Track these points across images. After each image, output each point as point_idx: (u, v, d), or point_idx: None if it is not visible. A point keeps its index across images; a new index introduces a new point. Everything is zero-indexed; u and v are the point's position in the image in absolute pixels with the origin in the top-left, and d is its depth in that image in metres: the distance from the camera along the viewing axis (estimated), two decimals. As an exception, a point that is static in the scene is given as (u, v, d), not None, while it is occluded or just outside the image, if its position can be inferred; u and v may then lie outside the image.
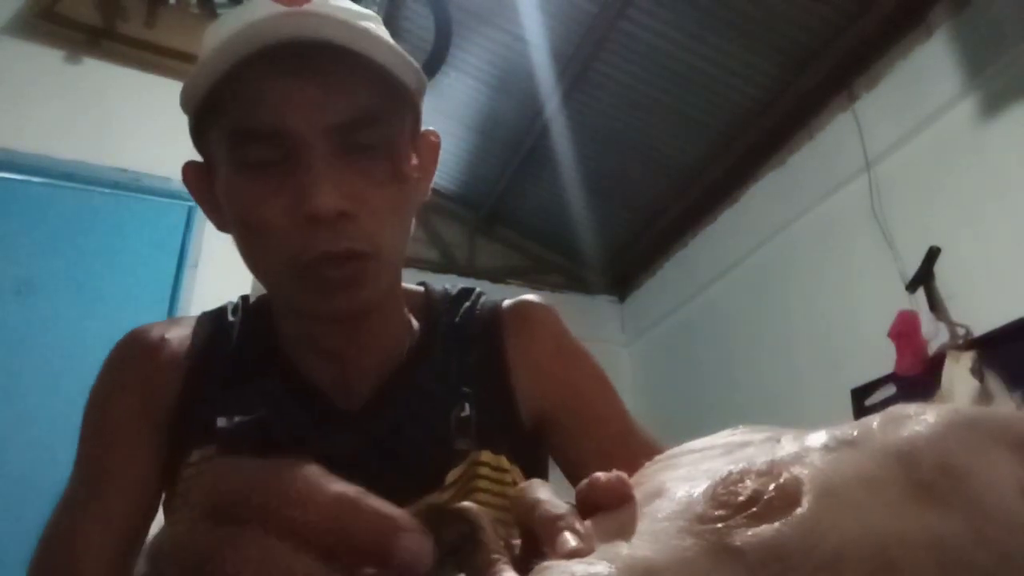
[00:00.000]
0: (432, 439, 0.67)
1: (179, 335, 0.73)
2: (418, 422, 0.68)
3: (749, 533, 0.19)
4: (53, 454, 2.05)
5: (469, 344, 0.73)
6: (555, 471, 0.74)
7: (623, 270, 4.49)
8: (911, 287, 2.52)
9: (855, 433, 0.21)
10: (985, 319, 2.27)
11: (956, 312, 2.39)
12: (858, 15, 2.72)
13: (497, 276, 4.44)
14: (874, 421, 0.21)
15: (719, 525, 0.20)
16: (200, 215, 2.52)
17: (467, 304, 0.76)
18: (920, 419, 0.20)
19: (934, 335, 2.40)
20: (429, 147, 0.71)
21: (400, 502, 0.71)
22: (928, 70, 2.58)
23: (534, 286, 4.49)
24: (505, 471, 0.68)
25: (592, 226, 4.14)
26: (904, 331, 2.46)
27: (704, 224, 3.81)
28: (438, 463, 0.66)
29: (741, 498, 0.20)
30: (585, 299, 4.54)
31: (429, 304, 0.76)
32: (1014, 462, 0.18)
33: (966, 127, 2.45)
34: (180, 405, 0.68)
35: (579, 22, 3.12)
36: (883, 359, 2.51)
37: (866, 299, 2.74)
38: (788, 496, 0.19)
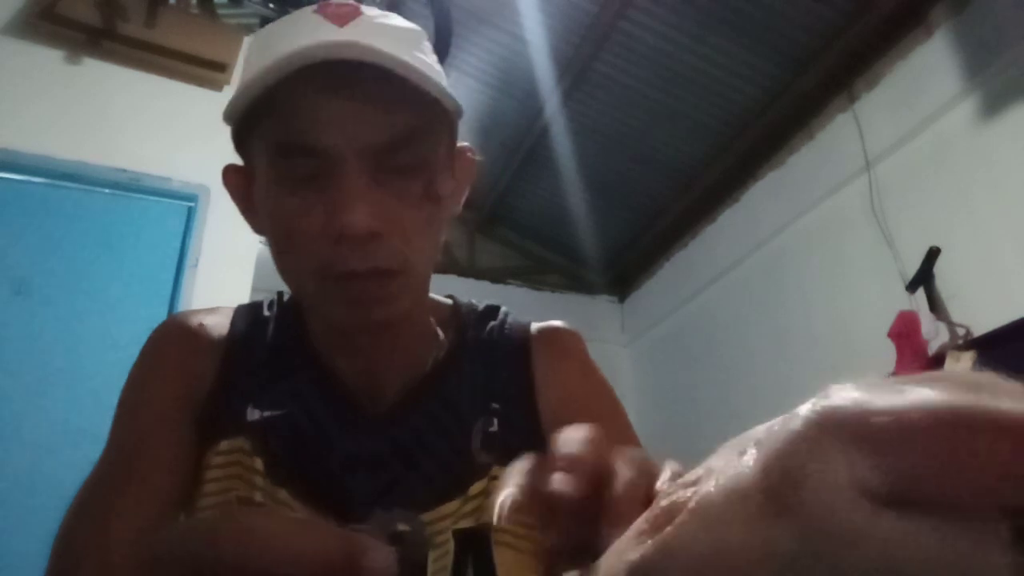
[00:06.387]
0: (454, 450, 0.68)
1: (217, 323, 0.74)
2: (441, 432, 0.69)
3: (631, 555, 0.19)
4: (52, 454, 2.06)
5: (497, 362, 0.74)
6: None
7: (623, 270, 4.49)
8: (911, 287, 2.52)
9: (761, 435, 0.19)
10: (985, 319, 2.27)
11: (956, 312, 2.39)
12: (858, 15, 2.72)
13: (497, 276, 4.44)
14: (779, 420, 0.20)
15: (637, 543, 0.20)
16: (200, 215, 2.52)
17: (494, 322, 0.78)
18: (794, 417, 0.18)
19: (934, 335, 2.40)
20: (466, 164, 0.72)
21: (419, 507, 0.71)
22: (928, 70, 2.59)
23: (534, 286, 4.49)
24: None
25: (592, 226, 4.14)
26: (904, 331, 2.46)
27: (704, 224, 3.81)
28: (459, 474, 0.67)
29: (655, 512, 0.20)
30: (585, 299, 4.54)
31: (457, 317, 0.77)
32: (853, 458, 0.16)
33: (966, 127, 2.45)
34: (213, 393, 0.69)
35: (579, 22, 3.12)
36: (883, 359, 2.51)
37: (866, 299, 2.74)
38: (670, 514, 0.19)
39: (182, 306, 2.40)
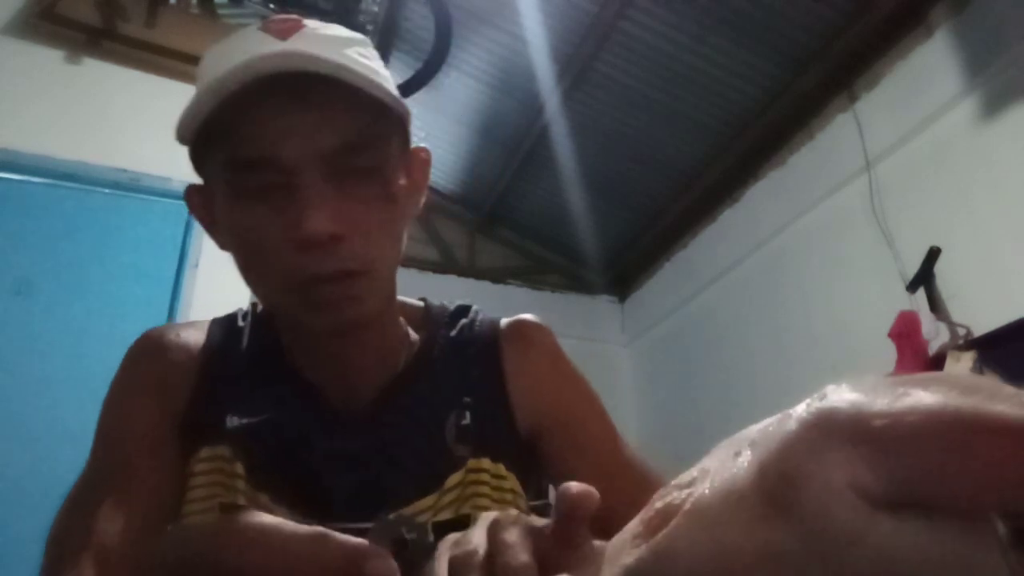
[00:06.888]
0: (431, 445, 0.70)
1: (193, 336, 0.76)
2: (418, 427, 0.71)
3: (626, 558, 0.19)
4: (52, 454, 2.06)
5: (469, 358, 0.76)
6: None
7: (623, 270, 4.49)
8: (911, 287, 2.52)
9: (756, 436, 0.19)
10: (985, 319, 2.27)
11: (956, 312, 2.39)
12: (858, 15, 2.72)
13: (497, 276, 4.44)
14: (774, 420, 0.19)
15: (632, 546, 0.20)
16: (200, 215, 2.52)
17: (465, 320, 0.79)
18: (790, 418, 0.18)
19: (934, 335, 2.39)
20: (419, 164, 0.74)
21: (399, 503, 0.73)
22: (928, 70, 2.58)
23: (534, 286, 4.49)
24: (504, 478, 0.70)
25: (592, 226, 4.14)
26: (904, 331, 2.46)
27: (704, 224, 3.81)
28: (436, 468, 0.69)
29: (650, 514, 0.20)
30: (585, 299, 4.54)
31: (428, 318, 0.79)
32: (851, 460, 0.16)
33: (966, 127, 2.45)
34: (192, 404, 0.71)
35: (579, 22, 3.12)
36: (883, 359, 2.51)
37: (866, 299, 2.74)
38: (665, 516, 0.19)
39: (182, 306, 2.40)
